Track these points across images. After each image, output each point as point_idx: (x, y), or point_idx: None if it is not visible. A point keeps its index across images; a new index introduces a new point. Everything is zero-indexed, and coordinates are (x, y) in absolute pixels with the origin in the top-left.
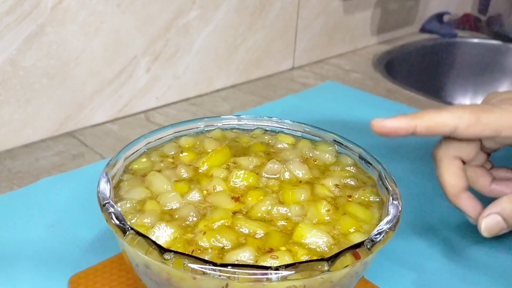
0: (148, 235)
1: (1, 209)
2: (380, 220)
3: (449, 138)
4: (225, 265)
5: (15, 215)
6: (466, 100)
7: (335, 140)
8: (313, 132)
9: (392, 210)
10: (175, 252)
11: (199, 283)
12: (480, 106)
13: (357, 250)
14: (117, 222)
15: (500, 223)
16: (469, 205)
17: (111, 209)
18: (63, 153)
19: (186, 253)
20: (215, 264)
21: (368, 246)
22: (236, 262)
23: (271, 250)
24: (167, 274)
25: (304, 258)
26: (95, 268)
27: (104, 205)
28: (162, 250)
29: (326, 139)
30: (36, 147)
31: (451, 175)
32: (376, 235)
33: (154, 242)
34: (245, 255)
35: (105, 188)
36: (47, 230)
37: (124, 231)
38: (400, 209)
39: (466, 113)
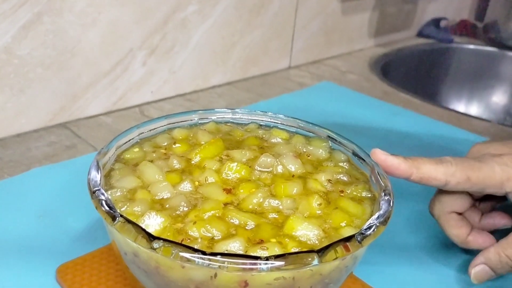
0: (137, 223)
1: None
2: (371, 215)
3: (441, 193)
4: (214, 254)
5: (4, 203)
6: (460, 106)
7: (329, 136)
8: (307, 128)
9: (383, 205)
10: (164, 240)
11: (188, 272)
12: (471, 163)
13: (347, 243)
14: (107, 209)
15: (488, 272)
16: (479, 242)
17: (101, 197)
18: (55, 143)
19: (176, 241)
20: (204, 253)
21: (359, 239)
22: (225, 252)
23: (261, 242)
24: (155, 262)
25: (294, 250)
26: (84, 258)
27: (94, 192)
28: (151, 237)
29: (320, 135)
30: (29, 137)
31: (453, 228)
32: (366, 228)
33: (143, 230)
34: (235, 246)
35: (96, 175)
36: (37, 219)
37: (113, 217)
38: (391, 204)
39: (457, 172)
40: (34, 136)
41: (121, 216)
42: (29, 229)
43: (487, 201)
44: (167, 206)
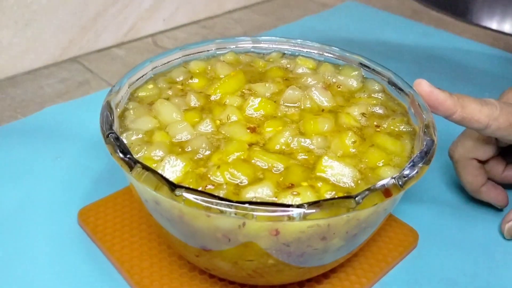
0: (156, 170)
1: (5, 139)
2: (412, 152)
3: (466, 137)
4: (242, 203)
5: (20, 145)
6: (493, 23)
7: (361, 64)
8: (337, 54)
9: (426, 141)
10: (187, 188)
11: (214, 221)
12: None
13: (388, 187)
14: (122, 156)
15: None
16: (491, 195)
17: (116, 142)
18: (67, 80)
19: (199, 189)
20: (230, 201)
21: (400, 183)
22: (253, 200)
23: (291, 186)
24: (179, 211)
25: (328, 194)
26: (106, 200)
27: (107, 136)
28: (172, 186)
29: (351, 62)
30: (39, 74)
31: (469, 175)
32: (408, 169)
33: (163, 177)
34: (263, 191)
35: (108, 117)
36: (54, 161)
37: (130, 165)
38: (435, 141)
39: (501, 116)
40: (44, 73)
41: (138, 162)
42: (47, 172)
43: None
44: (188, 149)
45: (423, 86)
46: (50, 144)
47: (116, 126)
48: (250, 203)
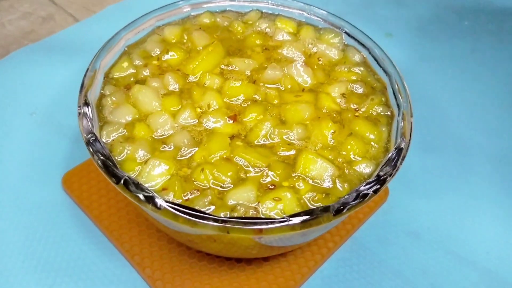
0: (141, 175)
1: None
2: (388, 140)
3: None
4: (225, 221)
5: None
6: None
7: (342, 30)
8: (317, 15)
9: (399, 141)
10: (171, 203)
11: (199, 228)
12: None
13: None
14: (105, 170)
15: None
16: None
17: (97, 146)
18: (30, 15)
19: (181, 204)
20: (216, 220)
21: (373, 190)
22: (237, 205)
23: (273, 187)
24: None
25: (308, 195)
26: (88, 163)
27: (89, 141)
28: (155, 206)
29: (332, 25)
30: None
31: None
32: (381, 169)
33: (146, 191)
34: (247, 196)
35: (86, 121)
36: (30, 117)
37: (115, 177)
38: (410, 134)
39: None
40: (4, 7)
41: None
42: (24, 130)
43: None
44: (170, 147)
45: None
46: (22, 98)
47: (95, 123)
48: (231, 221)
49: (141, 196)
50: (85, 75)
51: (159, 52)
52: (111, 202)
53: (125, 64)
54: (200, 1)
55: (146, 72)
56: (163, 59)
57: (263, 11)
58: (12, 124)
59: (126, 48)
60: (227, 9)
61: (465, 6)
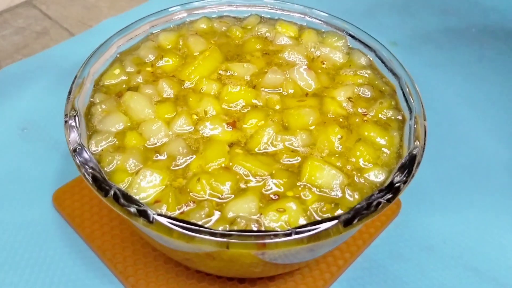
0: (132, 187)
1: None
2: (400, 145)
3: None
4: (223, 236)
5: None
6: None
7: (346, 32)
8: (320, 18)
9: (411, 150)
10: (164, 217)
11: (196, 244)
12: None
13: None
14: (92, 182)
15: None
16: None
17: (84, 155)
18: (24, 30)
19: (176, 217)
20: (212, 233)
21: (388, 198)
22: (237, 218)
23: (276, 197)
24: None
25: (315, 206)
26: (80, 179)
27: (75, 151)
28: (147, 219)
29: (336, 28)
30: None
31: None
32: (395, 175)
33: (137, 204)
34: (248, 207)
35: (73, 130)
36: (21, 133)
37: (103, 189)
38: (424, 138)
39: None
40: None
41: (111, 190)
42: (14, 146)
43: None
44: (164, 156)
45: None
46: (14, 112)
47: (82, 134)
48: (230, 234)
49: (131, 209)
50: (73, 82)
51: (153, 59)
52: (104, 220)
53: (117, 71)
54: (196, 6)
55: (139, 79)
56: (157, 66)
57: (262, 15)
58: (2, 140)
59: (118, 55)
60: (225, 14)
61: (472, 13)
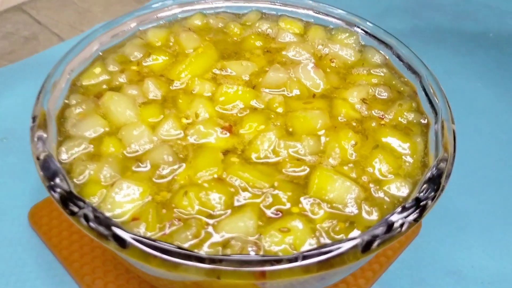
0: (105, 203)
1: None
2: (425, 153)
3: None
4: (214, 261)
5: None
6: None
7: (357, 26)
8: (327, 12)
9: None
10: (139, 239)
11: (182, 273)
12: None
13: (399, 231)
14: (58, 199)
15: None
16: None
17: (51, 166)
18: (12, 35)
19: (155, 239)
20: (200, 260)
21: (415, 217)
22: (231, 239)
23: (278, 214)
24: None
25: (325, 224)
26: None
27: (38, 158)
28: (119, 243)
29: (345, 23)
30: None
31: None
32: (421, 192)
33: (111, 225)
34: (244, 226)
35: (40, 135)
36: (0, 143)
37: (68, 205)
38: (454, 145)
39: None
40: None
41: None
42: None
43: None
44: (146, 165)
45: None
46: None
47: (52, 134)
48: (222, 260)
49: (101, 230)
50: (44, 81)
51: (140, 57)
52: (84, 240)
53: (98, 70)
54: (190, 1)
55: (122, 79)
56: (144, 64)
57: (263, 11)
58: None
59: (100, 53)
60: (222, 10)
61: (488, 18)
